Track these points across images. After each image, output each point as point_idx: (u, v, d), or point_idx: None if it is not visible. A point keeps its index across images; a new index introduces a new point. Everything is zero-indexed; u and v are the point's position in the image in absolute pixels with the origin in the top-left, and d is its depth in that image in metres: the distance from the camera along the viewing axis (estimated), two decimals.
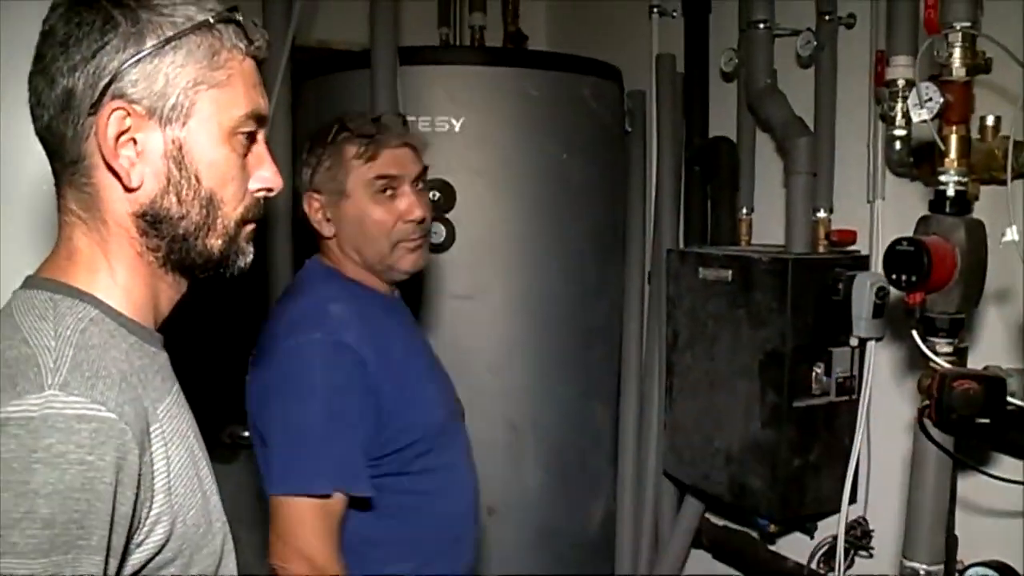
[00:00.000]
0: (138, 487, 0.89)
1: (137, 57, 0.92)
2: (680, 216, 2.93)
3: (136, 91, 0.92)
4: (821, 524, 2.50)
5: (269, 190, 1.05)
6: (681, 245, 2.88)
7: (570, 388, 2.81)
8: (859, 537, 2.36)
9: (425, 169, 1.80)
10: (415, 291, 2.63)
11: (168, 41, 0.93)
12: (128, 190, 0.95)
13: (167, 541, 0.95)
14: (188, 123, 0.95)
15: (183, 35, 0.93)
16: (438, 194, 2.61)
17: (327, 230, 1.75)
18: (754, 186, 2.75)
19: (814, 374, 2.33)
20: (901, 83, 2.03)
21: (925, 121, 1.73)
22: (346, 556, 1.61)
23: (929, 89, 1.71)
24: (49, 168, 1.00)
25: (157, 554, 0.95)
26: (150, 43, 0.92)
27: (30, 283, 0.98)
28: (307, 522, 1.55)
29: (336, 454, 1.59)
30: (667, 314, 2.72)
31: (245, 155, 1.01)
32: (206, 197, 0.98)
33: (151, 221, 0.97)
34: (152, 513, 0.93)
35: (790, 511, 2.41)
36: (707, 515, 2.86)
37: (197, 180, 0.97)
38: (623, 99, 3.00)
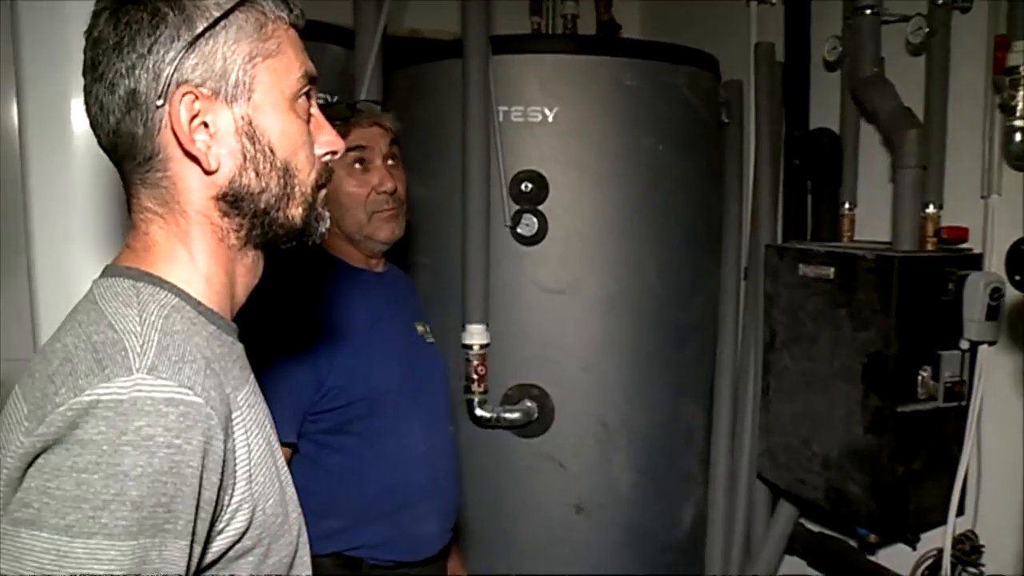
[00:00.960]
0: (222, 473, 0.89)
1: (192, 42, 0.93)
2: (778, 211, 2.83)
3: (197, 75, 0.93)
4: (925, 536, 2.39)
5: (334, 152, 1.07)
6: (779, 241, 2.78)
7: (662, 386, 2.74)
8: (968, 552, 2.24)
9: (395, 143, 1.95)
10: (505, 284, 2.60)
11: (217, 21, 0.94)
12: (207, 173, 0.96)
13: (247, 529, 0.95)
14: (252, 97, 0.96)
15: (229, 13, 0.94)
16: (530, 185, 2.58)
17: None
18: (857, 180, 2.65)
19: (920, 378, 2.22)
20: None
21: None
22: None
23: None
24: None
25: (237, 541, 0.95)
26: (201, 27, 0.93)
27: (111, 271, 0.99)
28: None
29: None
30: (764, 312, 2.63)
31: (308, 121, 1.02)
32: (282, 167, 0.99)
33: (232, 201, 0.98)
34: (234, 500, 0.93)
35: (891, 521, 2.30)
36: (802, 520, 2.76)
37: (271, 151, 0.98)
38: (719, 89, 2.90)
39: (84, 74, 0.96)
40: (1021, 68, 1.92)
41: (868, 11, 2.44)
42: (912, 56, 2.47)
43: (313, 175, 1.03)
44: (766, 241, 2.74)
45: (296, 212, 1.02)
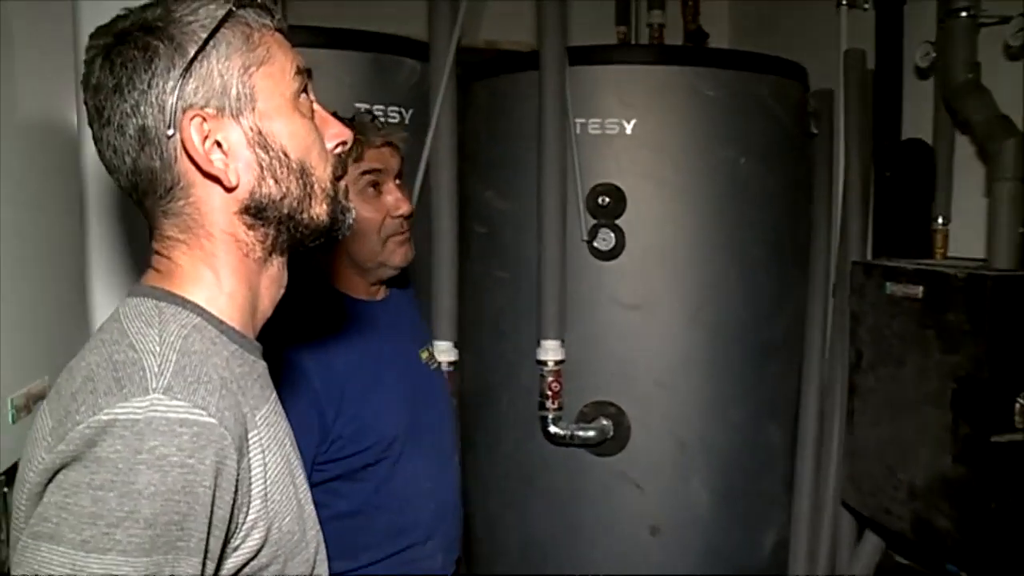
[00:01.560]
0: (235, 492, 0.90)
1: (187, 67, 0.94)
2: (868, 226, 2.71)
3: (200, 97, 0.95)
4: None
5: (344, 143, 1.07)
6: (869, 257, 2.66)
7: (743, 406, 2.65)
8: None
9: (403, 162, 1.83)
10: (582, 299, 2.56)
11: (207, 42, 0.95)
12: (228, 190, 0.97)
13: (262, 547, 0.96)
14: (256, 106, 0.97)
15: (216, 32, 0.95)
16: (607, 199, 2.53)
17: None
18: (951, 194, 2.51)
19: (1017, 406, 2.08)
20: None
21: None
22: None
23: None
24: None
25: (252, 559, 0.96)
26: (192, 51, 0.94)
27: (137, 291, 1.00)
28: None
29: None
30: (850, 331, 2.52)
31: (312, 118, 1.03)
32: (298, 169, 1.00)
33: (255, 212, 0.99)
34: (249, 518, 0.94)
35: (982, 559, 2.16)
36: (890, 551, 2.63)
37: (286, 155, 0.99)
38: (807, 99, 2.80)
39: (91, 123, 0.98)
40: None
41: (963, 13, 2.32)
42: (1010, 61, 2.33)
43: (329, 169, 1.04)
44: (854, 257, 2.62)
45: (320, 210, 1.03)
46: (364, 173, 1.73)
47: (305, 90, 1.03)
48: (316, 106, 1.05)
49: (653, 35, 3.11)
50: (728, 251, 2.60)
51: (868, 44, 2.72)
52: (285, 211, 1.00)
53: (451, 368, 2.50)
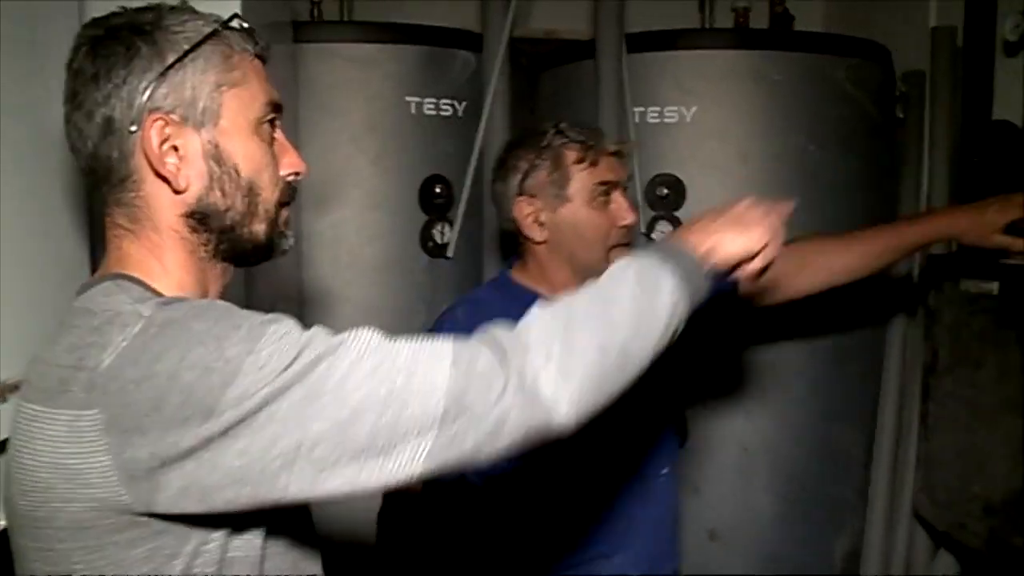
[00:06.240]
0: None
1: (163, 73, 1.00)
2: None
3: (168, 103, 1.00)
4: None
5: (298, 173, 1.12)
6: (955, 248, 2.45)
7: (813, 408, 2.51)
8: None
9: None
10: None
11: (187, 54, 1.01)
12: (177, 193, 1.02)
13: None
14: (219, 122, 1.03)
15: (198, 46, 1.01)
16: (666, 190, 2.44)
17: (539, 235, 1.73)
18: None
19: None
20: None
21: None
22: None
23: None
24: None
25: None
26: (171, 59, 1.00)
27: (86, 286, 1.03)
28: None
29: None
30: (925, 330, 2.33)
31: (271, 144, 1.09)
32: (246, 187, 1.05)
33: (199, 218, 1.04)
34: None
35: None
36: (964, 573, 2.42)
37: (236, 172, 1.04)
38: (891, 82, 2.61)
39: (64, 103, 1.03)
40: None
41: None
42: None
43: (276, 194, 1.09)
44: (936, 250, 2.42)
45: (259, 228, 1.08)
46: (600, 183, 1.70)
47: (272, 122, 1.08)
48: (279, 134, 1.10)
49: (738, 19, 2.96)
50: None
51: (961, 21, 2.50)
52: (227, 223, 1.05)
53: None
